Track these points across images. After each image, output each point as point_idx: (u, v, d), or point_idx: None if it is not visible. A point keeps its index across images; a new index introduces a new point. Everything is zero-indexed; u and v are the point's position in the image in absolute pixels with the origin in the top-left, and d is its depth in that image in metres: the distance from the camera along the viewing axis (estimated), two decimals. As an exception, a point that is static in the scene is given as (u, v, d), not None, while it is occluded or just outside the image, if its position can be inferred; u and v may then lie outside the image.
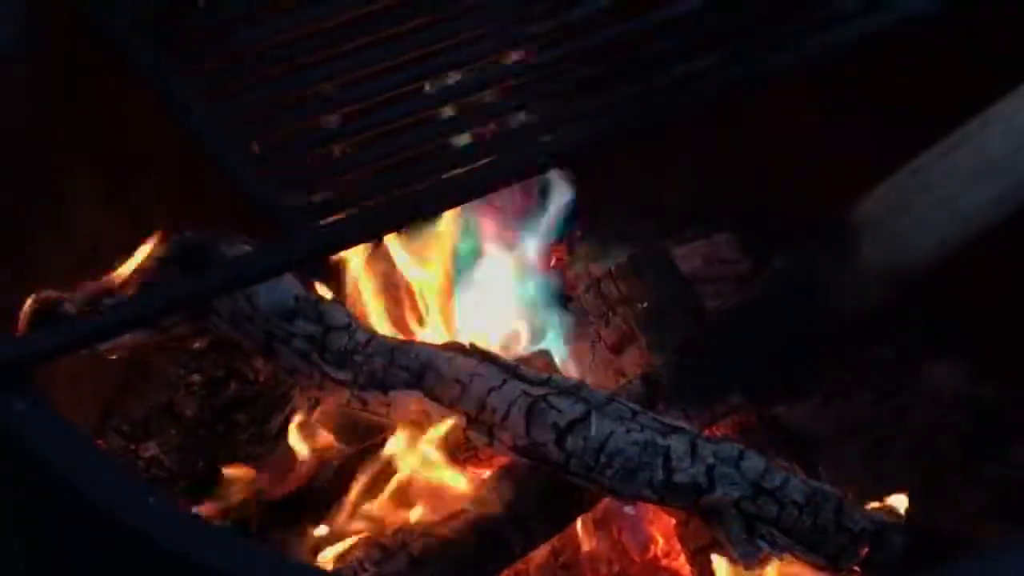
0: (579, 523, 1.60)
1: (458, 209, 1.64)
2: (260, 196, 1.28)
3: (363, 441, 1.63)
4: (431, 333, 1.71)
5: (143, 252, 1.53)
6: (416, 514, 1.56)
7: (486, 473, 1.55)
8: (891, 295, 1.62)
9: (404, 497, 1.56)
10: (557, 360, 1.67)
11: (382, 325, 1.67)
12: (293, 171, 1.31)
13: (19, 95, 1.70)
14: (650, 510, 1.60)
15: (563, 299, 1.77)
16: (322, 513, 1.60)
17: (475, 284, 1.73)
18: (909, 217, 1.56)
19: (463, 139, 1.34)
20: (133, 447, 1.88)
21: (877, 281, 1.59)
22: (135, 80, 1.39)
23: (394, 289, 1.72)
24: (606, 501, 1.56)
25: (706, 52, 1.38)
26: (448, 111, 1.34)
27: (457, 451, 1.55)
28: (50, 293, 1.53)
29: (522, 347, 1.69)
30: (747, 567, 1.45)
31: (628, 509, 1.61)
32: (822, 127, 1.97)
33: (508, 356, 1.58)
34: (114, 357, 1.59)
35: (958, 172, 1.54)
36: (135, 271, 1.51)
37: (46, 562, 1.37)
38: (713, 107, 1.40)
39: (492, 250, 1.73)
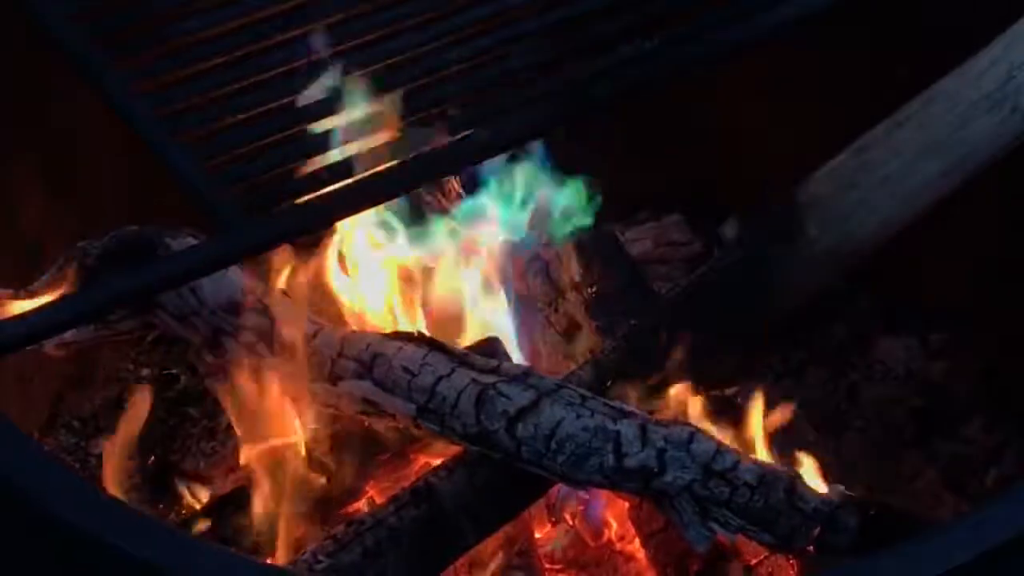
0: (532, 510, 1.60)
1: (400, 199, 1.63)
2: (198, 190, 1.26)
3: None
4: (378, 324, 1.70)
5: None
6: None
7: (437, 462, 1.55)
8: (839, 273, 1.63)
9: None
10: (506, 347, 1.66)
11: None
12: (232, 165, 1.30)
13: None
14: (603, 495, 1.60)
15: (511, 285, 1.76)
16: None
17: (421, 271, 1.72)
18: (854, 196, 1.56)
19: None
20: (83, 443, 1.87)
21: (824, 260, 1.59)
22: (79, 75, 1.38)
23: (340, 279, 1.71)
24: (558, 487, 1.56)
25: (651, 33, 1.38)
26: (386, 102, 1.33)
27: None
28: (-7, 290, 1.52)
29: (470, 335, 1.68)
30: (699, 549, 1.45)
31: (581, 494, 1.61)
32: (769, 108, 1.97)
33: (456, 344, 1.57)
34: (61, 355, 1.58)
35: (903, 150, 1.55)
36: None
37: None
38: (658, 89, 1.40)
39: (438, 237, 1.72)
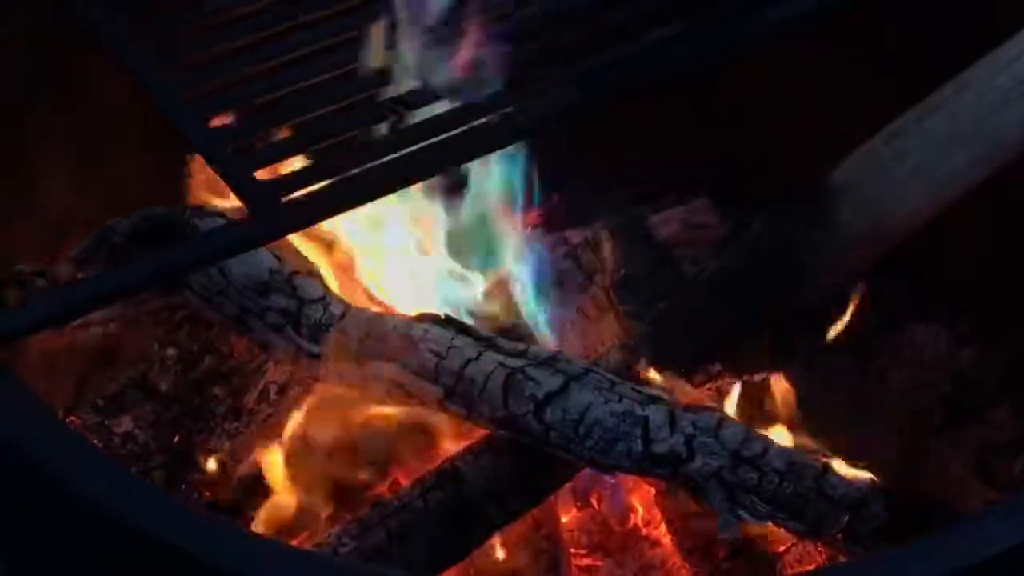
0: (559, 494, 1.59)
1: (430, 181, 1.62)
2: (227, 171, 1.26)
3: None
4: (405, 305, 1.70)
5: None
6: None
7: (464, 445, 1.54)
8: (869, 260, 1.62)
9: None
10: (534, 330, 1.65)
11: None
12: (261, 146, 1.29)
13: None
14: (630, 480, 1.59)
15: (540, 269, 1.75)
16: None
17: (449, 253, 1.71)
18: (885, 183, 1.55)
19: (430, 112, 1.32)
20: (107, 423, 1.86)
21: (855, 246, 1.58)
22: (108, 53, 1.38)
23: (366, 261, 1.71)
24: (586, 472, 1.55)
25: (678, 19, 1.37)
26: (415, 84, 1.32)
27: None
28: (20, 269, 1.52)
29: (498, 317, 1.67)
30: (727, 536, 1.45)
31: (608, 479, 1.60)
32: (798, 92, 1.95)
33: (484, 327, 1.57)
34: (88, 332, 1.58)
35: (934, 137, 1.53)
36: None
37: (21, 541, 1.36)
38: (688, 75, 1.39)
39: (467, 219, 1.71)
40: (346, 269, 1.69)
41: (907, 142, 1.54)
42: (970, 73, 1.54)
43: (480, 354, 1.48)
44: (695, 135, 2.04)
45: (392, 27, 1.34)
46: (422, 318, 1.53)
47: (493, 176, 1.68)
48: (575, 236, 1.79)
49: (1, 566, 1.41)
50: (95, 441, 1.81)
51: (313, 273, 1.59)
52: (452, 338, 1.50)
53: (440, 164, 1.31)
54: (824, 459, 1.46)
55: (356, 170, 1.27)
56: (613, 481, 1.60)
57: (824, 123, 1.89)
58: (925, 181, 1.54)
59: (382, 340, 1.50)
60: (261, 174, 1.28)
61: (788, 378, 1.65)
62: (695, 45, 1.35)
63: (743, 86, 1.90)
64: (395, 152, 1.28)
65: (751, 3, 1.36)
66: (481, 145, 1.32)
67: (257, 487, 1.62)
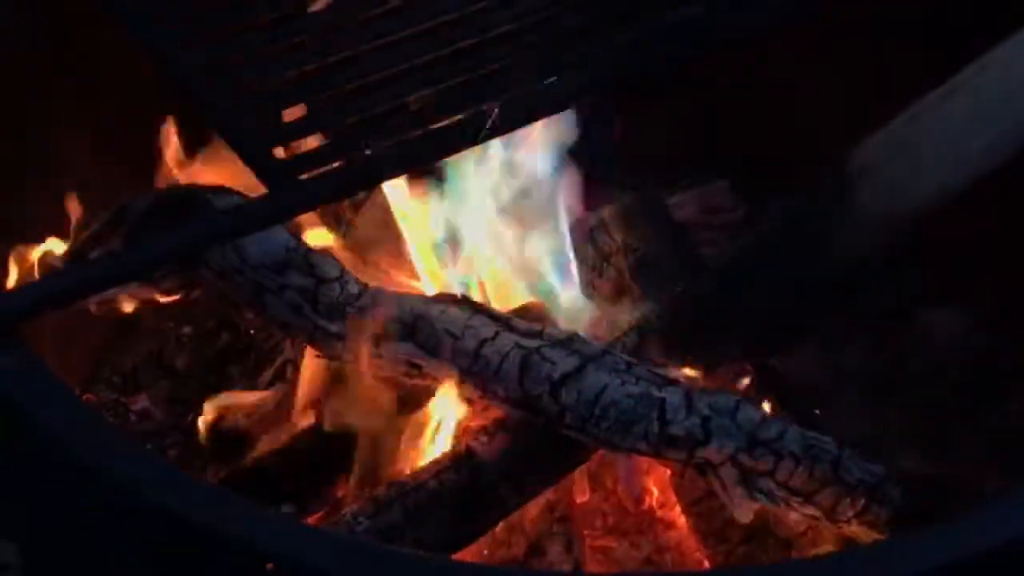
0: (574, 476, 1.59)
1: (450, 159, 1.62)
2: (246, 147, 1.26)
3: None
4: (423, 285, 1.70)
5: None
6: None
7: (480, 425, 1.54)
8: (889, 242, 1.61)
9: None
10: (551, 311, 1.65)
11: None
12: (280, 122, 1.29)
13: (9, 42, 1.68)
14: (645, 462, 1.59)
15: (556, 249, 1.75)
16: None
17: (466, 232, 1.71)
18: (907, 164, 1.54)
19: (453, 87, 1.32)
20: (123, 400, 1.87)
21: (875, 228, 1.57)
22: (126, 28, 1.37)
23: (386, 239, 1.70)
24: (601, 453, 1.55)
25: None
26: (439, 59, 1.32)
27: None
28: (38, 246, 1.52)
29: (514, 298, 1.67)
30: (743, 519, 1.44)
31: (623, 461, 1.60)
32: (819, 73, 1.94)
33: (500, 308, 1.56)
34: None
35: (956, 118, 1.52)
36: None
37: (38, 515, 1.36)
38: (708, 55, 1.38)
39: (484, 199, 1.70)
40: (365, 247, 1.69)
41: (929, 122, 1.53)
42: (992, 55, 1.53)
43: (496, 334, 1.47)
44: (715, 116, 2.03)
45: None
46: (439, 298, 1.53)
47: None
48: (592, 218, 1.78)
49: (13, 546, 1.42)
50: (111, 418, 1.81)
51: (330, 251, 1.58)
52: (468, 318, 1.49)
53: (461, 143, 1.31)
54: (840, 444, 1.46)
55: (374, 149, 1.26)
56: (628, 463, 1.60)
57: (845, 104, 1.88)
58: (947, 162, 1.53)
59: (398, 319, 1.50)
60: (278, 152, 1.28)
61: (803, 360, 1.64)
62: (718, 24, 1.34)
63: (764, 66, 1.89)
64: (415, 130, 1.28)
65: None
66: (504, 122, 1.32)
67: (272, 464, 1.62)
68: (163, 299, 1.58)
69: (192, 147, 1.66)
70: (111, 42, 1.47)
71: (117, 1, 1.35)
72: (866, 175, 1.55)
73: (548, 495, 1.56)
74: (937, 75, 1.56)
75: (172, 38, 1.33)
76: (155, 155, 1.74)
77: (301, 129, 1.30)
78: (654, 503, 1.64)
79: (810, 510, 1.44)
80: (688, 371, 1.56)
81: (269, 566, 1.14)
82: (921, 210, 1.57)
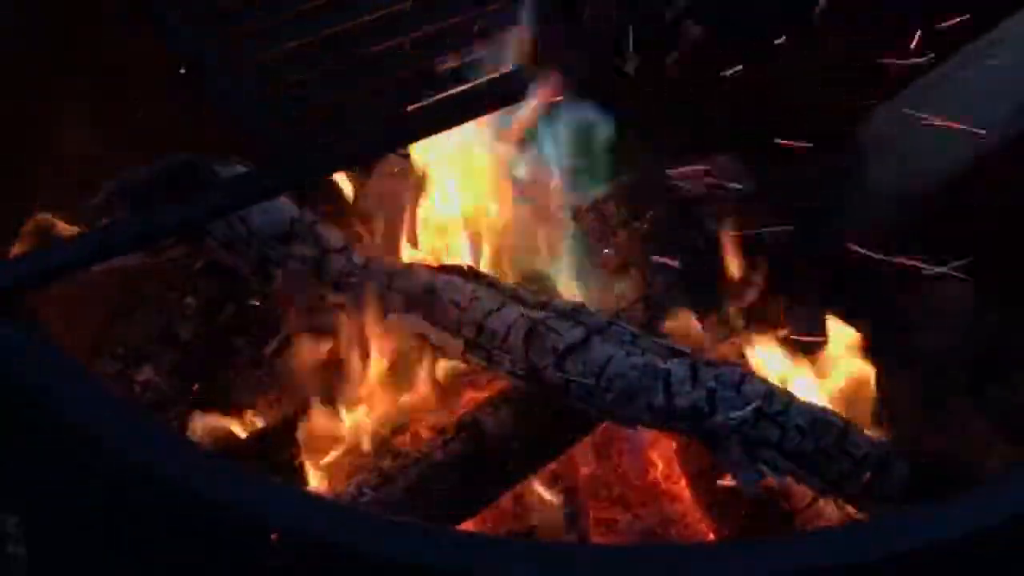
0: (579, 447, 1.59)
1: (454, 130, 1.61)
2: (251, 118, 1.25)
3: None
4: (428, 256, 1.69)
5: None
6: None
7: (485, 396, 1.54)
8: (899, 216, 1.60)
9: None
10: (556, 283, 1.65)
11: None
12: (285, 93, 1.29)
13: (13, 19, 1.67)
14: (650, 434, 1.59)
15: (563, 221, 1.75)
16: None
17: (474, 205, 1.70)
18: (917, 137, 1.53)
19: (455, 60, 1.32)
20: (128, 371, 1.86)
21: (885, 202, 1.57)
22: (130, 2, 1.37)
23: (392, 210, 1.70)
24: (606, 425, 1.54)
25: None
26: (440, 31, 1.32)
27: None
28: (43, 216, 1.51)
29: (521, 270, 1.66)
30: (748, 492, 1.44)
31: (629, 432, 1.59)
32: (824, 46, 1.93)
33: (506, 279, 1.56)
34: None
35: (969, 90, 1.52)
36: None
37: (40, 487, 1.36)
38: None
39: (492, 171, 1.70)
40: (371, 218, 1.69)
41: (941, 94, 1.52)
42: (1004, 28, 1.52)
43: (502, 305, 1.47)
44: (720, 89, 2.02)
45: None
46: (445, 269, 1.53)
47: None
48: (599, 190, 1.77)
49: (14, 519, 1.42)
50: (116, 389, 1.81)
51: (335, 222, 1.58)
52: (474, 289, 1.49)
53: (469, 112, 1.31)
54: (846, 417, 1.46)
55: (377, 122, 1.26)
56: (634, 434, 1.59)
57: (851, 78, 1.87)
58: (960, 134, 1.52)
59: (404, 290, 1.50)
60: (283, 120, 1.27)
61: (811, 334, 1.64)
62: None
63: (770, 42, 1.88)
64: (416, 103, 1.28)
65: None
66: (506, 94, 1.32)
67: (278, 435, 1.62)
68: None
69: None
70: (120, 15, 1.46)
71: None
72: (877, 148, 1.55)
73: (553, 466, 1.56)
74: (946, 46, 1.56)
75: (175, 12, 1.32)
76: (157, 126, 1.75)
77: (306, 99, 1.30)
78: (659, 475, 1.63)
79: (816, 483, 1.43)
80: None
81: (273, 536, 1.14)
82: (932, 184, 1.57)
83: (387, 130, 1.29)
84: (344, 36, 1.35)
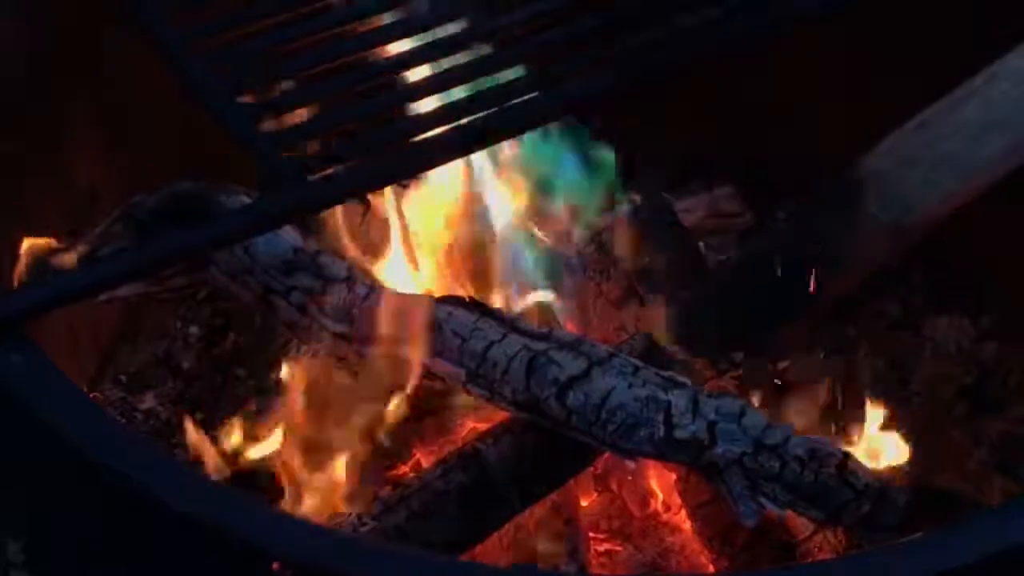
0: (578, 479, 1.59)
1: (458, 161, 1.62)
2: (254, 148, 1.26)
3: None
4: (429, 287, 1.70)
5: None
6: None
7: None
8: (896, 250, 1.61)
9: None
10: (557, 314, 1.65)
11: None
12: (288, 124, 1.30)
13: (19, 42, 1.68)
14: (651, 465, 1.59)
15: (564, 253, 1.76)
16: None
17: (474, 237, 1.71)
18: (915, 172, 1.54)
19: (461, 92, 1.33)
20: (130, 399, 1.87)
21: (883, 237, 1.57)
22: (136, 29, 1.38)
23: (393, 241, 1.71)
24: (607, 456, 1.55)
25: (710, 5, 1.37)
26: (445, 64, 1.32)
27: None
28: (47, 242, 1.52)
29: (522, 301, 1.67)
30: (748, 524, 1.44)
31: (629, 464, 1.60)
32: (825, 80, 1.95)
33: (508, 310, 1.57)
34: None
35: (965, 126, 1.52)
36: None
37: (44, 514, 1.37)
38: (717, 59, 1.39)
39: (491, 204, 1.71)
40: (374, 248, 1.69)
41: (938, 130, 1.53)
42: (1004, 62, 1.53)
43: (504, 336, 1.48)
44: (722, 121, 2.03)
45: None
46: (447, 300, 1.53)
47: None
48: (599, 222, 1.78)
49: (17, 545, 1.42)
50: (118, 417, 1.81)
51: (338, 253, 1.58)
52: (476, 320, 1.50)
53: (465, 148, 1.31)
54: (845, 449, 1.46)
55: (382, 151, 1.27)
56: (634, 466, 1.60)
57: (852, 112, 1.89)
58: (956, 170, 1.53)
59: (407, 321, 1.50)
60: (287, 150, 1.28)
61: (810, 367, 1.65)
62: (723, 31, 1.35)
63: (770, 72, 1.89)
64: (420, 134, 1.28)
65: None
66: (513, 126, 1.32)
67: (277, 463, 1.62)
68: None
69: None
70: (126, 40, 1.47)
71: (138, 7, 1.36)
72: (873, 183, 1.56)
73: (554, 497, 1.57)
74: (946, 82, 1.57)
75: (176, 34, 1.33)
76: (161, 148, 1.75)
77: (309, 131, 1.31)
78: (659, 507, 1.64)
79: (816, 514, 1.44)
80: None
81: (275, 565, 1.15)
82: (928, 219, 1.57)
83: (393, 160, 1.30)
84: (353, 65, 1.36)
